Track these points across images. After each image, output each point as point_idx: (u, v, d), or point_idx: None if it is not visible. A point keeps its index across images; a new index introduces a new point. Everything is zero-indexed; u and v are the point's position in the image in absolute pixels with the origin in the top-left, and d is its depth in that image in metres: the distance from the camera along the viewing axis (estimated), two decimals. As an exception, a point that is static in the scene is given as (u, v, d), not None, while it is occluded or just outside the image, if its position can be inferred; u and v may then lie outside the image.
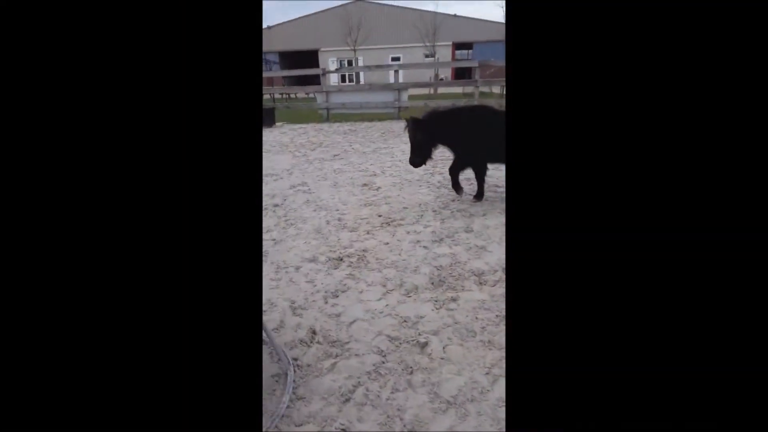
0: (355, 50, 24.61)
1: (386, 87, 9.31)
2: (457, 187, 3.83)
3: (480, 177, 3.73)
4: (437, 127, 3.55)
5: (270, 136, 8.40)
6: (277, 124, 9.74)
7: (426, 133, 3.55)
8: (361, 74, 23.02)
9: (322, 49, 29.45)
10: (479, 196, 3.78)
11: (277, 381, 1.71)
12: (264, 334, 1.69)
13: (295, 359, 1.84)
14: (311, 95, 19.00)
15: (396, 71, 8.93)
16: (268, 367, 1.78)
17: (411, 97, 9.94)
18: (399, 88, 9.02)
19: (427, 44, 23.99)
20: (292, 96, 17.81)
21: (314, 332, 2.01)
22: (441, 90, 17.73)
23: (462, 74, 26.97)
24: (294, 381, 1.68)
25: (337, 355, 1.82)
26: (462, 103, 9.40)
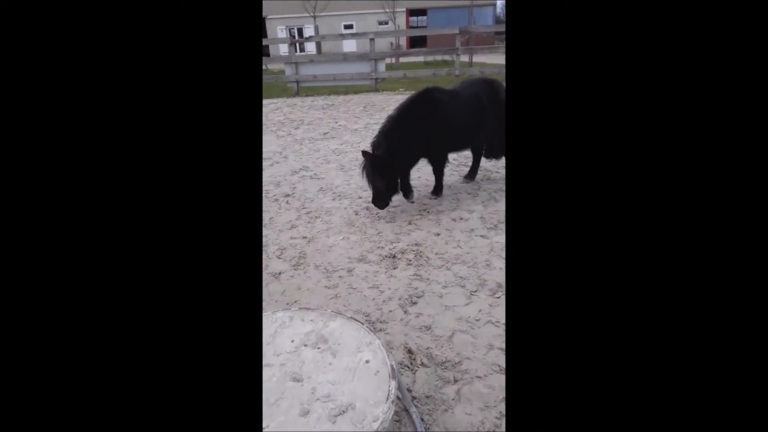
0: (312, 17, 23.02)
1: (362, 57, 8.70)
2: (407, 190, 3.20)
3: (440, 171, 3.25)
4: (400, 149, 2.82)
5: (240, 114, 7.67)
6: (242, 100, 8.90)
7: (388, 167, 2.78)
8: (311, 45, 21.68)
9: (269, 17, 27.44)
10: (438, 190, 3.29)
11: (397, 421, 1.42)
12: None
13: (409, 390, 1.55)
14: (267, 67, 17.76)
15: (372, 39, 8.33)
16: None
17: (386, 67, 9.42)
18: (376, 58, 8.47)
19: (387, 10, 22.95)
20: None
21: (411, 351, 1.72)
22: (402, 60, 17.18)
23: (416, 43, 26.34)
24: (422, 419, 1.40)
25: (456, 380, 1.56)
26: (443, 75, 9.07)
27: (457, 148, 3.33)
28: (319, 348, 1.31)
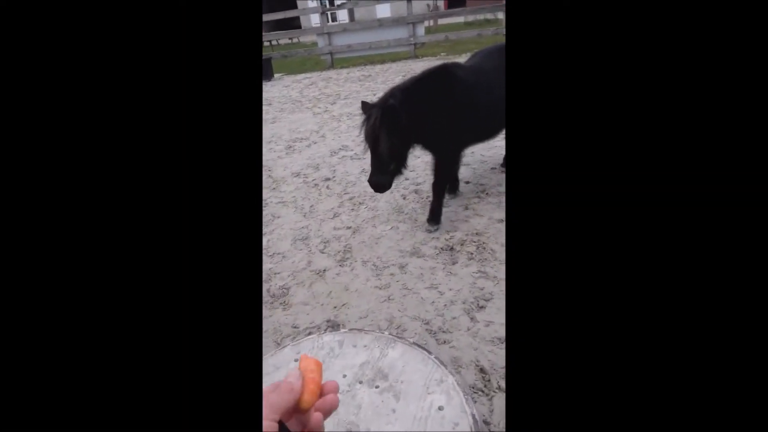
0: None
1: (398, 21, 8.10)
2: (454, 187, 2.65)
3: (446, 177, 2.39)
4: (415, 112, 2.02)
5: (274, 91, 7.46)
6: (276, 76, 8.68)
7: (401, 125, 1.96)
8: (342, 13, 20.84)
9: (299, -13, 26.72)
10: (435, 215, 2.37)
11: (476, 467, 1.15)
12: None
13: (486, 423, 1.28)
14: (295, 40, 17.46)
15: (409, 1, 7.69)
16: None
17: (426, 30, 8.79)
18: (413, 22, 7.86)
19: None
20: (274, 43, 16.19)
21: (483, 371, 1.44)
22: (441, 22, 16.18)
23: (454, 3, 24.84)
24: (508, 469, 1.12)
25: (545, 414, 1.26)
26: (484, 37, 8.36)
27: (483, 137, 2.48)
28: (377, 387, 1.05)
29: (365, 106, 2.03)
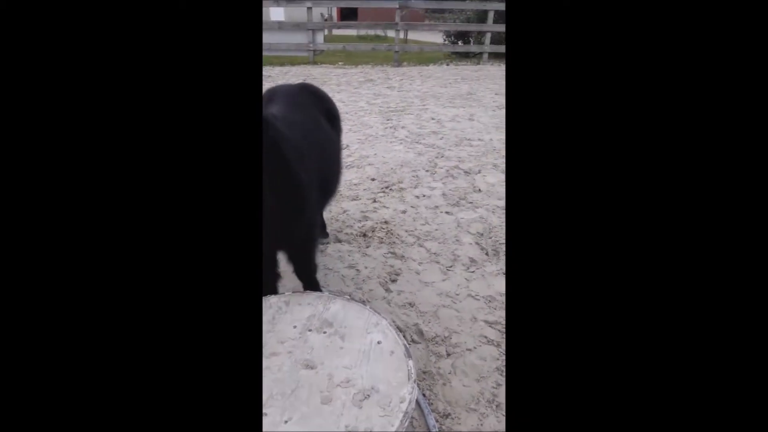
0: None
1: (298, 26, 8.19)
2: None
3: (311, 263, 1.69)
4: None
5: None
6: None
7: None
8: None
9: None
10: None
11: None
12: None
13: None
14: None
15: (309, 8, 7.85)
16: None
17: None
18: (314, 29, 8.04)
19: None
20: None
21: (399, 329, 1.73)
22: (335, 32, 16.59)
23: (347, 15, 25.55)
24: (425, 396, 1.42)
25: (449, 354, 1.59)
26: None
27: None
28: (325, 332, 1.24)
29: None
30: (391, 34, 13.00)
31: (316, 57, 8.62)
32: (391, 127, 4.48)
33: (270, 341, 1.21)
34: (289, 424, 0.96)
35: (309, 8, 7.84)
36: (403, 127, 4.47)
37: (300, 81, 6.86)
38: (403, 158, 3.61)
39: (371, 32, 15.27)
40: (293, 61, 8.49)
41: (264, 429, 0.93)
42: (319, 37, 8.41)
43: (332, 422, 0.96)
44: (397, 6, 7.89)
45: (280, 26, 8.16)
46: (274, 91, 1.86)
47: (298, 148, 1.41)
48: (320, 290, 1.66)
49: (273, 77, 7.25)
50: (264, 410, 0.99)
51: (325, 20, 12.67)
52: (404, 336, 1.68)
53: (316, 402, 1.02)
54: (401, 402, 1.02)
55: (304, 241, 1.55)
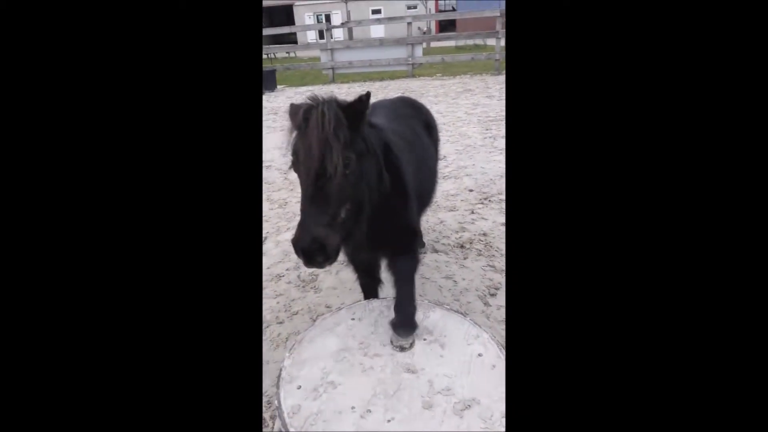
0: (343, 1, 22.71)
1: (399, 41, 8.54)
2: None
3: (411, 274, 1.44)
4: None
5: (279, 101, 7.70)
6: (279, 87, 8.94)
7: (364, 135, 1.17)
8: (341, 31, 21.42)
9: (297, 4, 27.32)
10: (406, 321, 1.27)
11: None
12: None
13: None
14: (291, 54, 17.83)
15: (409, 24, 8.16)
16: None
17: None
18: (413, 43, 8.30)
19: (414, -7, 22.45)
20: (272, 56, 16.52)
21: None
22: (434, 44, 16.83)
23: (446, 27, 25.79)
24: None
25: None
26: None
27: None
28: (425, 339, 1.28)
29: (295, 108, 1.17)
30: (490, 42, 12.78)
31: (415, 70, 8.84)
32: (490, 137, 4.39)
33: (373, 343, 1.28)
34: (392, 424, 1.00)
35: (408, 23, 8.12)
36: (502, 137, 4.35)
37: (398, 95, 7.12)
38: (503, 169, 3.51)
39: (470, 42, 15.18)
40: (393, 76, 8.83)
41: (368, 427, 0.99)
42: (418, 51, 8.61)
43: (433, 427, 0.99)
44: (498, 14, 7.75)
45: (381, 42, 8.56)
46: (374, 106, 1.84)
47: (401, 153, 1.44)
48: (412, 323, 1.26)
49: (374, 92, 7.61)
50: (367, 407, 1.05)
51: (423, 33, 12.97)
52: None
53: (418, 406, 1.05)
54: (502, 417, 1.00)
55: (409, 243, 1.54)
